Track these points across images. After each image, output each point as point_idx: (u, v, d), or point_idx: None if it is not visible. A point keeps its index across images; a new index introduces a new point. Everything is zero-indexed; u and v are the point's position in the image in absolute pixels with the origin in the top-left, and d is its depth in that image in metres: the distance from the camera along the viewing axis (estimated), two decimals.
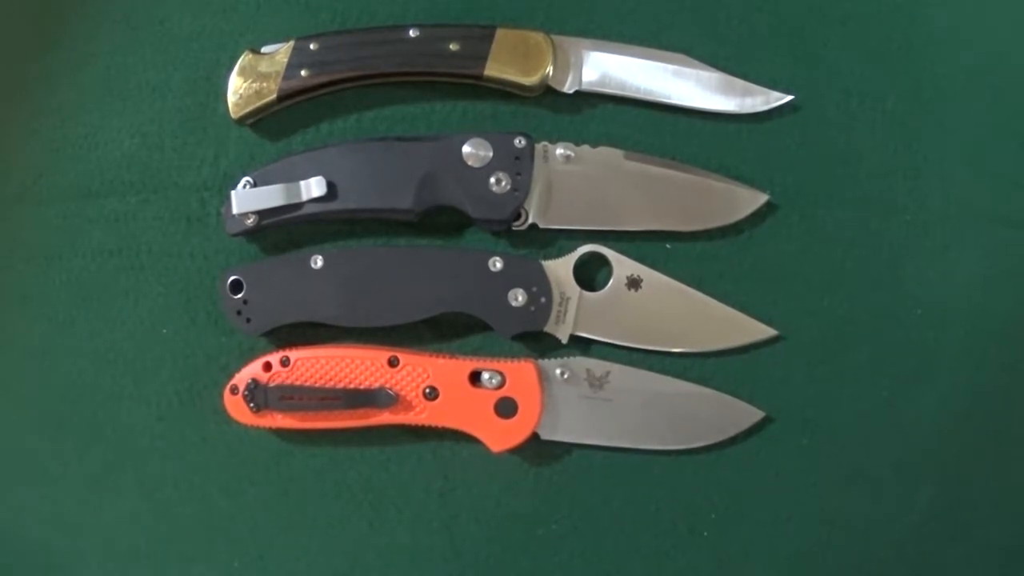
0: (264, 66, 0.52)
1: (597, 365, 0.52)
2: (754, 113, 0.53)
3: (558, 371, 0.52)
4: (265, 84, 0.52)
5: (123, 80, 0.55)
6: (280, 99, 0.52)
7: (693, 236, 0.53)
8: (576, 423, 0.52)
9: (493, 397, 0.51)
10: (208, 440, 0.53)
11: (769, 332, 0.53)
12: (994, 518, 0.54)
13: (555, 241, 0.53)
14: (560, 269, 0.52)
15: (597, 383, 0.52)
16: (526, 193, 0.51)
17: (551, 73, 0.52)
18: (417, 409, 0.51)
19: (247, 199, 0.51)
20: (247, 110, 0.52)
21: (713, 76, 0.53)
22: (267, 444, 0.53)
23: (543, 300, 0.51)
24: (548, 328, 0.52)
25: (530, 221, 0.52)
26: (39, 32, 0.56)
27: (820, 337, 0.53)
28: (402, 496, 0.53)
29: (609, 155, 0.52)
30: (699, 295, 0.53)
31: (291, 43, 0.52)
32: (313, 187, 0.51)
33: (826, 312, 0.53)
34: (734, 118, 0.53)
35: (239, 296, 0.52)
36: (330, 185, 0.51)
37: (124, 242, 0.54)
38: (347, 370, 0.51)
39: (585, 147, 0.52)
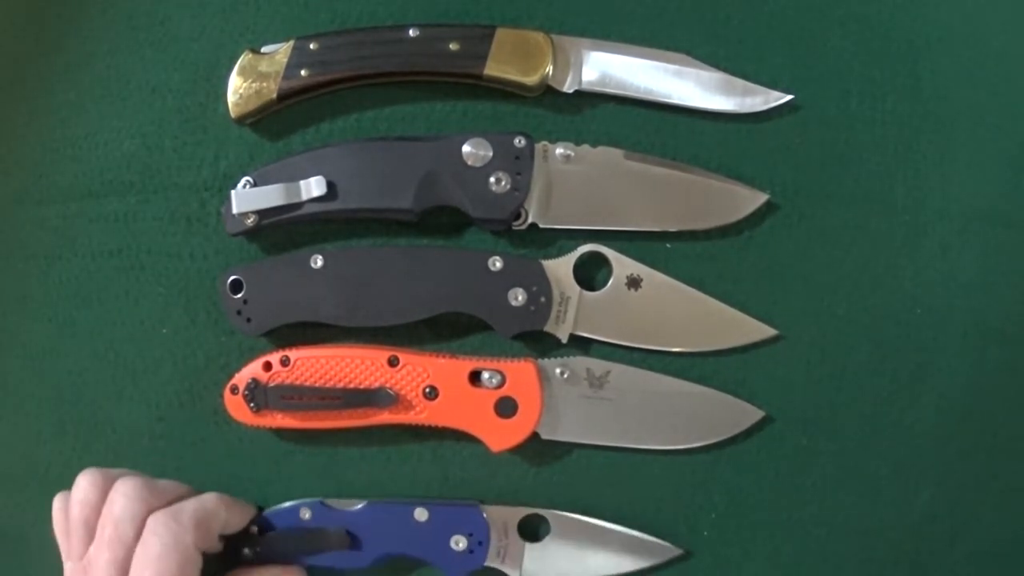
0: (264, 66, 0.52)
1: (597, 365, 0.52)
2: (754, 113, 0.53)
3: (558, 371, 0.52)
4: (265, 84, 0.52)
5: (123, 80, 0.55)
6: (280, 99, 0.52)
7: (693, 236, 0.53)
8: (576, 423, 0.52)
9: (493, 397, 0.51)
10: (208, 440, 0.53)
11: (769, 332, 0.53)
12: (994, 518, 0.54)
13: (555, 241, 0.53)
14: (560, 269, 0.52)
15: (597, 383, 0.52)
16: (526, 193, 0.51)
17: (551, 73, 0.52)
18: (417, 409, 0.51)
19: (247, 199, 0.51)
20: (247, 110, 0.52)
21: (713, 76, 0.53)
22: (267, 444, 0.53)
23: (543, 300, 0.51)
24: (548, 328, 0.52)
25: (530, 221, 0.52)
26: (39, 32, 0.56)
27: (820, 337, 0.53)
28: (402, 496, 0.53)
29: (609, 155, 0.52)
30: (699, 295, 0.53)
31: (291, 43, 0.52)
32: (313, 187, 0.51)
33: (826, 312, 0.53)
34: (734, 118, 0.53)
35: (239, 296, 0.52)
36: (330, 185, 0.51)
37: (124, 242, 0.54)
38: (347, 370, 0.51)
39: (585, 147, 0.52)
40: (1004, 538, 0.54)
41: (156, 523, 0.47)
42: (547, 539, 0.52)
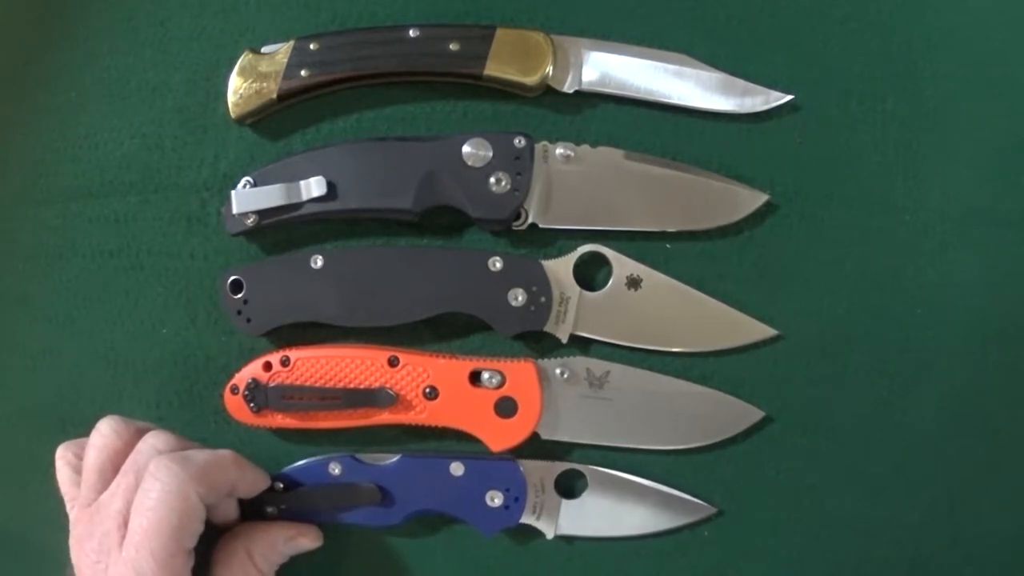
0: (264, 66, 0.52)
1: (597, 365, 0.52)
2: (754, 113, 0.53)
3: (558, 371, 0.52)
4: (265, 84, 0.52)
5: (123, 80, 0.55)
6: (280, 99, 0.52)
7: (693, 236, 0.53)
8: (576, 423, 0.52)
9: (493, 397, 0.51)
10: (208, 440, 0.53)
11: (769, 332, 0.53)
12: (994, 518, 0.54)
13: (555, 241, 0.53)
14: (560, 269, 0.52)
15: (597, 383, 0.52)
16: (526, 193, 0.51)
17: (551, 73, 0.52)
18: (417, 409, 0.51)
19: (247, 199, 0.51)
20: (247, 110, 0.52)
21: (713, 76, 0.53)
22: (267, 444, 0.53)
23: (543, 300, 0.51)
24: (548, 328, 0.52)
25: (530, 221, 0.52)
26: (39, 32, 0.56)
27: (820, 337, 0.53)
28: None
29: (609, 155, 0.52)
30: (699, 295, 0.53)
31: (291, 43, 0.52)
32: (313, 187, 0.51)
33: (826, 312, 0.53)
34: (734, 118, 0.53)
35: (239, 296, 0.52)
36: (330, 185, 0.51)
37: (124, 242, 0.54)
38: (347, 370, 0.51)
39: (585, 147, 0.52)
40: (1004, 538, 0.54)
41: (159, 466, 0.45)
42: (584, 495, 0.52)
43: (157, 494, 0.44)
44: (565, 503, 0.52)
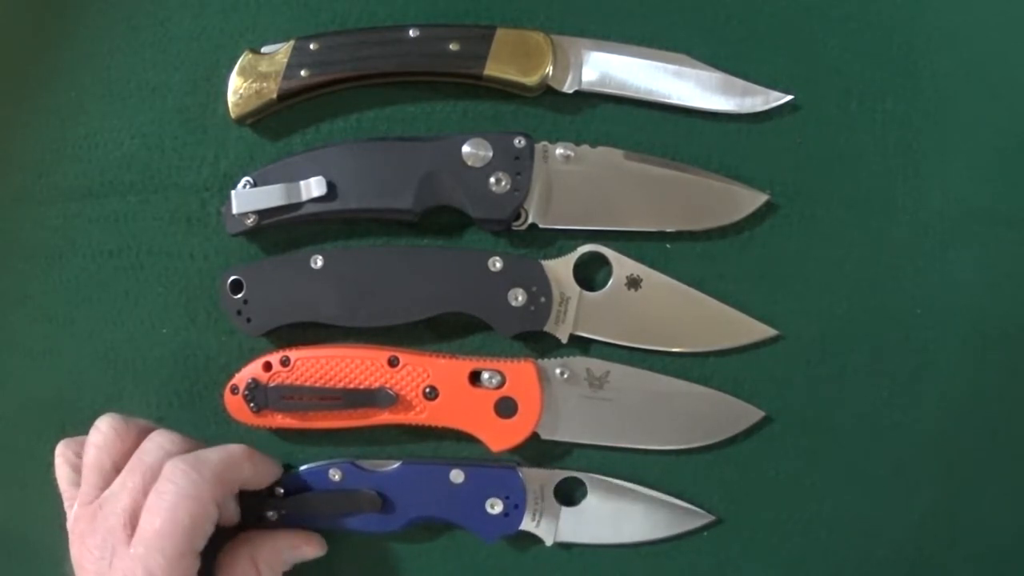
0: (264, 66, 0.52)
1: (597, 365, 0.52)
2: (754, 113, 0.53)
3: (558, 371, 0.52)
4: (265, 84, 0.52)
5: (123, 80, 0.55)
6: (280, 99, 0.52)
7: (693, 236, 0.53)
8: (576, 423, 0.52)
9: (493, 397, 0.51)
10: (208, 440, 0.53)
11: (769, 332, 0.53)
12: (994, 519, 0.54)
13: (555, 241, 0.53)
14: (560, 269, 0.52)
15: (597, 383, 0.52)
16: (526, 193, 0.51)
17: (551, 73, 0.52)
18: (417, 409, 0.51)
19: (247, 199, 0.51)
20: (247, 110, 0.52)
21: (713, 76, 0.53)
22: (267, 444, 0.53)
23: (543, 300, 0.51)
24: (548, 328, 0.52)
25: (530, 221, 0.52)
26: (39, 32, 0.56)
27: (820, 337, 0.53)
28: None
29: (609, 155, 0.52)
30: (699, 295, 0.53)
31: (291, 43, 0.52)
32: (313, 187, 0.51)
33: (826, 312, 0.53)
34: (734, 118, 0.53)
35: (239, 296, 0.52)
36: (330, 185, 0.51)
37: (124, 242, 0.54)
38: (347, 370, 0.51)
39: (585, 147, 0.52)
40: (1004, 538, 0.54)
41: (174, 470, 0.45)
42: (583, 503, 0.52)
43: (171, 497, 0.44)
44: (565, 510, 0.52)
